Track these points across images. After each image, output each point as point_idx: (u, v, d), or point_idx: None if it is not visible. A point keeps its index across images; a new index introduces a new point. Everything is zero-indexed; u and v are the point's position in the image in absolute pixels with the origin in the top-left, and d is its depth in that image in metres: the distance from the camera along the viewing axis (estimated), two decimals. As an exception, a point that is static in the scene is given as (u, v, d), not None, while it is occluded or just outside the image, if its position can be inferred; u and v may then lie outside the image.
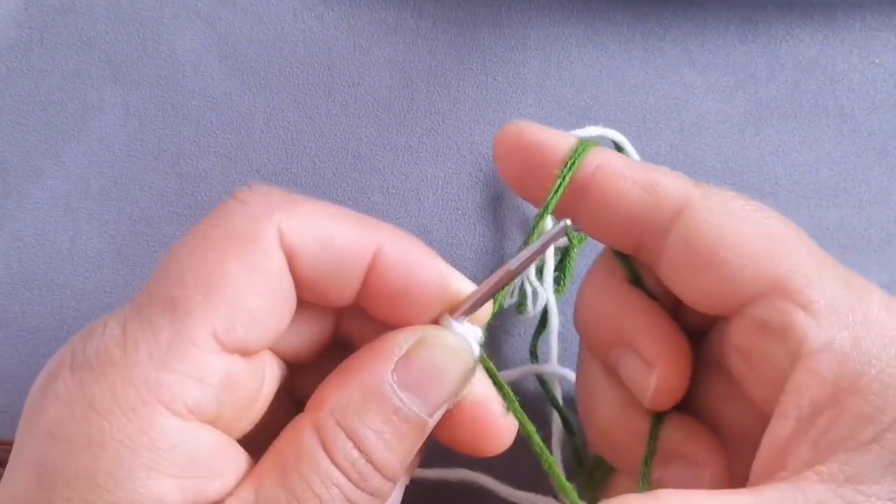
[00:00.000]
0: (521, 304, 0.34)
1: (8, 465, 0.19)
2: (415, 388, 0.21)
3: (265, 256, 0.20)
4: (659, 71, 0.38)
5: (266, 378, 0.22)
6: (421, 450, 0.22)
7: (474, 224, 0.37)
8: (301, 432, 0.20)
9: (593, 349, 0.26)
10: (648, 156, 0.36)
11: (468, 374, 0.22)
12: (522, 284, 0.35)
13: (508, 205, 0.37)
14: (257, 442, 0.21)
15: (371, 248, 0.21)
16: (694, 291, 0.23)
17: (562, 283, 0.35)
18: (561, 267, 0.35)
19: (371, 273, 0.22)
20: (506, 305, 0.35)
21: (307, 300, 0.22)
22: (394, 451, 0.20)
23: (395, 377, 0.21)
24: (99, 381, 0.19)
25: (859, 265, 0.36)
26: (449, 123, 0.38)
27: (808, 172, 0.37)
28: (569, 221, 0.22)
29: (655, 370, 0.23)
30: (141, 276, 0.36)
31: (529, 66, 0.38)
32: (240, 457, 0.21)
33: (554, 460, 0.23)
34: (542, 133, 0.25)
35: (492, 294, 0.23)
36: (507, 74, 0.38)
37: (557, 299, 0.34)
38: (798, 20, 0.38)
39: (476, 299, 0.22)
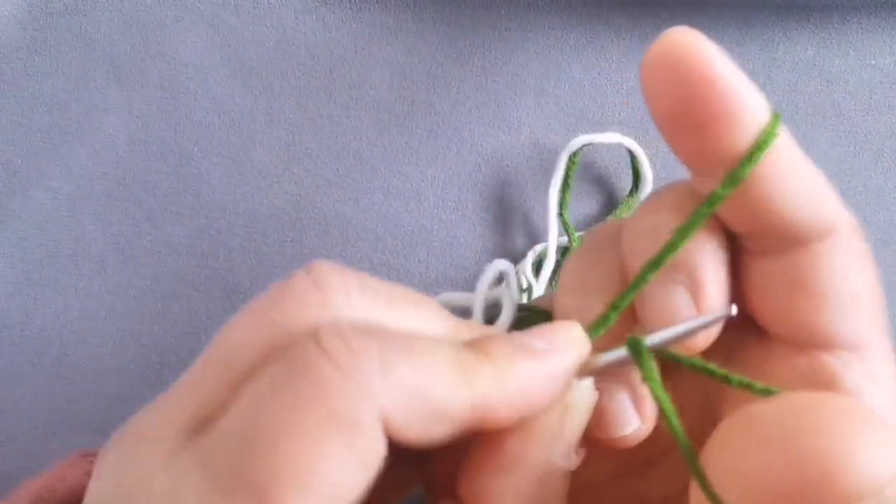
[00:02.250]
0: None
1: None
2: (572, 448, 0.21)
3: (366, 444, 0.18)
4: (657, 73, 0.38)
5: None
6: None
7: (474, 224, 0.37)
8: None
9: (630, 263, 0.23)
10: (648, 158, 0.36)
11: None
12: (518, 280, 0.35)
13: (508, 205, 0.37)
14: None
15: (477, 413, 0.20)
16: (784, 316, 0.21)
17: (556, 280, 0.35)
18: (560, 265, 0.35)
19: (481, 423, 0.20)
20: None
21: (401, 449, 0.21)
22: None
23: (557, 451, 0.21)
24: None
25: (856, 265, 0.36)
26: (449, 125, 0.38)
27: (805, 173, 0.37)
28: (734, 311, 0.20)
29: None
30: (144, 276, 0.37)
31: (529, 69, 0.38)
32: None
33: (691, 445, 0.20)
34: (725, 79, 0.20)
35: (626, 365, 0.22)
36: (507, 77, 0.38)
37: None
38: (794, 22, 0.38)
39: (609, 366, 0.22)
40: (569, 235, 0.35)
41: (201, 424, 0.18)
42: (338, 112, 0.38)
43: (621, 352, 0.21)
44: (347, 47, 0.39)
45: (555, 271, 0.35)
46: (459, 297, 0.33)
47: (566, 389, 0.21)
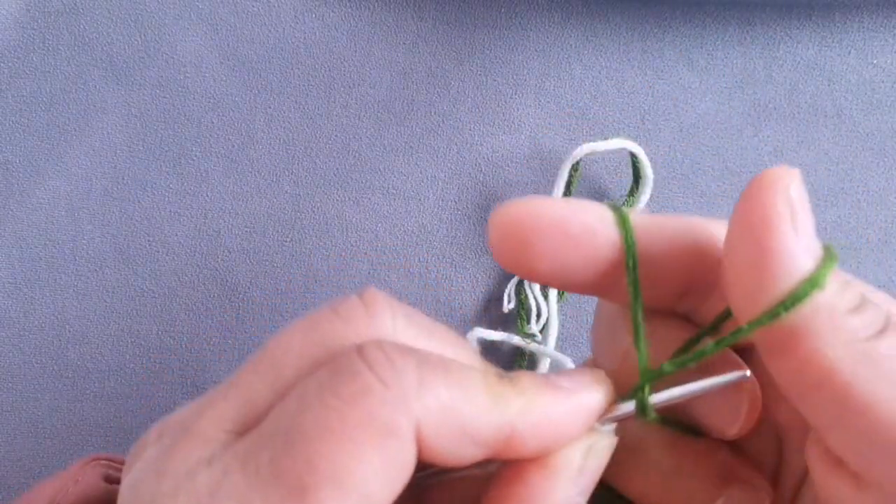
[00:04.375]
0: (521, 318, 0.34)
1: None
2: (586, 490, 0.22)
3: (400, 452, 0.19)
4: (657, 72, 0.38)
5: None
6: None
7: (474, 224, 0.37)
8: None
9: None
10: (648, 157, 0.36)
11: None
12: (525, 298, 0.35)
13: (508, 205, 0.37)
14: None
15: (505, 434, 0.21)
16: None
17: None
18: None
19: (506, 448, 0.21)
20: (506, 310, 0.35)
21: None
22: None
23: (576, 490, 0.21)
24: None
25: (857, 265, 0.36)
26: (449, 124, 0.38)
27: (806, 173, 0.37)
28: (748, 373, 0.21)
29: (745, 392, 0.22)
30: (143, 275, 0.37)
31: (529, 68, 0.38)
32: None
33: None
34: (558, 208, 0.22)
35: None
36: (507, 76, 0.38)
37: (559, 302, 0.35)
38: (796, 22, 0.38)
39: (622, 415, 0.23)
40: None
41: (247, 426, 0.19)
42: (337, 111, 0.38)
43: (631, 406, 0.22)
44: (347, 46, 0.39)
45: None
46: (490, 334, 0.33)
47: (589, 431, 0.22)
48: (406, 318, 0.22)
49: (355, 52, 0.39)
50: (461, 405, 0.20)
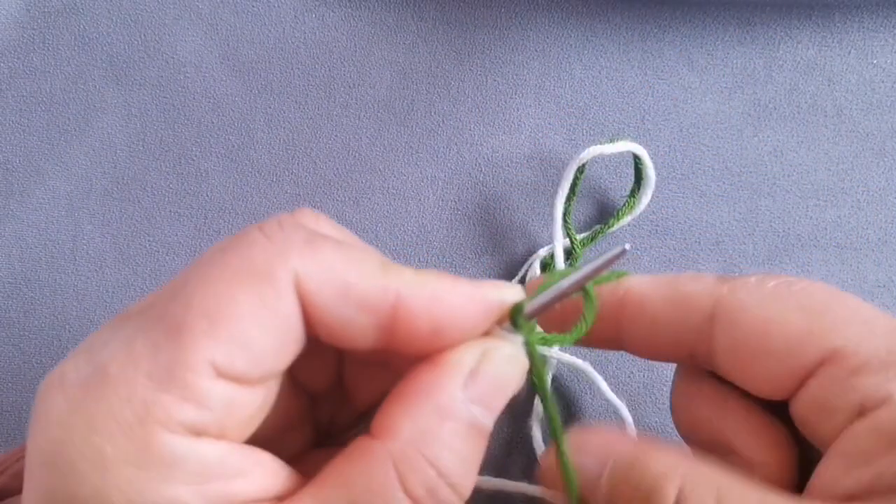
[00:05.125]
0: None
1: (23, 490, 0.19)
2: (484, 401, 0.21)
3: (277, 297, 0.19)
4: (657, 72, 0.38)
5: (275, 393, 0.22)
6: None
7: (474, 224, 0.37)
8: (374, 462, 0.20)
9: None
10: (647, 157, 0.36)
11: (523, 379, 0.22)
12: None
13: (508, 205, 0.37)
14: (268, 438, 0.21)
15: (390, 298, 0.20)
16: (754, 382, 0.23)
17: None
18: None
19: (397, 321, 0.21)
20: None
21: (326, 342, 0.21)
22: (469, 466, 0.21)
23: (467, 394, 0.21)
24: (97, 400, 0.18)
25: (856, 265, 0.36)
26: (449, 124, 0.38)
27: (806, 172, 0.37)
28: (627, 246, 0.22)
29: (756, 471, 0.23)
30: (143, 275, 0.37)
31: (529, 68, 0.38)
32: (259, 455, 0.20)
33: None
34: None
35: (541, 311, 0.22)
36: (507, 76, 0.38)
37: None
38: (796, 21, 0.38)
39: (526, 313, 0.22)
40: (571, 239, 0.35)
41: None
42: (337, 111, 0.38)
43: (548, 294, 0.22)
44: (347, 46, 0.39)
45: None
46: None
47: (487, 336, 0.22)
48: (332, 225, 0.22)
49: (355, 52, 0.39)
50: (346, 267, 0.20)
